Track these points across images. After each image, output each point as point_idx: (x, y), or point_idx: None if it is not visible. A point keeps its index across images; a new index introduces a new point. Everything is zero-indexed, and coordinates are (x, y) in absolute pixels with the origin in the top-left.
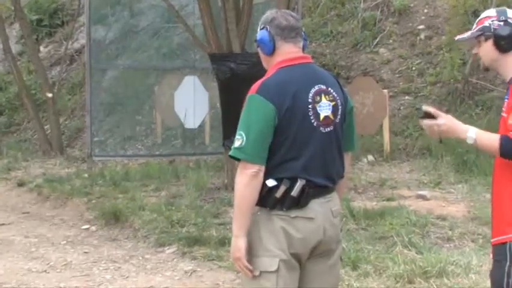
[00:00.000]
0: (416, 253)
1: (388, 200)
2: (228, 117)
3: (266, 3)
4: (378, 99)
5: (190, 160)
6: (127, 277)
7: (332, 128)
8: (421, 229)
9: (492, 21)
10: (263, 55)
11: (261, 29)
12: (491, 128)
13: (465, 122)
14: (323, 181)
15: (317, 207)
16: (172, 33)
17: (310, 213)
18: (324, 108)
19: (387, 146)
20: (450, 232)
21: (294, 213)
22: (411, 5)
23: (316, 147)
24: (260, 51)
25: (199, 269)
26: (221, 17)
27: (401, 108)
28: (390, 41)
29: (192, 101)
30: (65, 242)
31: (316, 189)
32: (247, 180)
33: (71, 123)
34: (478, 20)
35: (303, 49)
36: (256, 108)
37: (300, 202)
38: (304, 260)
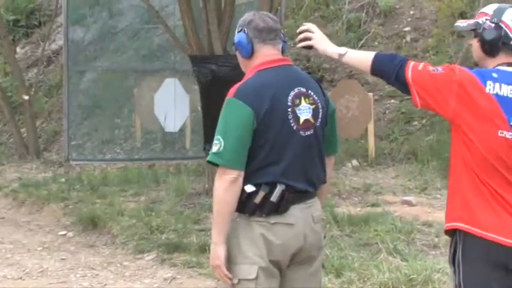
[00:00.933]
0: (401, 260)
1: (373, 205)
2: (209, 121)
3: (249, 4)
4: (363, 103)
5: (170, 164)
6: (105, 284)
7: (312, 131)
8: (406, 236)
9: (486, 19)
10: (241, 58)
11: (238, 32)
12: None
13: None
14: (304, 186)
15: (297, 212)
16: (152, 34)
17: (290, 219)
18: (304, 112)
19: (372, 150)
20: (436, 239)
21: (273, 219)
22: (397, 6)
23: (296, 151)
24: (238, 55)
25: (178, 276)
26: (202, 18)
27: (387, 112)
28: (376, 43)
29: (172, 104)
30: (41, 248)
31: (297, 195)
32: (226, 185)
33: (48, 127)
34: (479, 11)
35: (283, 51)
36: (234, 112)
37: (279, 208)
38: (285, 267)
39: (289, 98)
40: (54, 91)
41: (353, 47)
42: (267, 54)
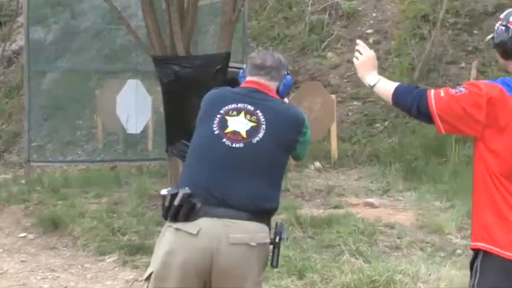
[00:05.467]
0: (364, 262)
1: (335, 207)
2: (172, 123)
3: (211, 5)
4: (325, 105)
5: (132, 166)
6: (66, 287)
7: (241, 145)
8: (369, 237)
9: (499, 24)
10: None
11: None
12: (441, 136)
13: (415, 128)
14: (221, 200)
15: (206, 224)
16: (114, 35)
17: (193, 229)
18: (236, 124)
19: (334, 152)
20: (398, 240)
21: (177, 225)
22: (360, 8)
23: (217, 159)
24: None
25: (140, 278)
26: (165, 19)
27: (349, 114)
28: (339, 45)
29: (134, 105)
30: (1, 250)
31: (212, 208)
32: None
33: (8, 128)
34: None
35: (278, 92)
36: None
37: (183, 214)
38: (198, 282)
39: (227, 107)
40: (15, 92)
41: (316, 49)
42: (246, 81)
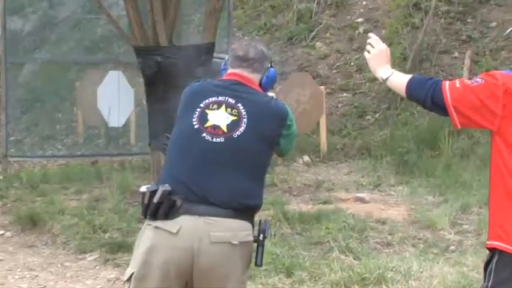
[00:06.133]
0: (354, 259)
1: (325, 203)
2: (155, 115)
3: None
4: (314, 96)
5: (114, 161)
6: (45, 286)
7: (222, 139)
8: (359, 233)
9: None
10: None
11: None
12: (434, 128)
13: (407, 120)
14: (202, 197)
15: (186, 222)
16: (94, 24)
17: (173, 227)
18: (217, 117)
19: (324, 145)
20: (389, 237)
21: (157, 223)
22: None
23: (198, 154)
24: None
25: (122, 277)
26: (147, 8)
27: (339, 105)
28: (328, 34)
29: (116, 98)
30: None
31: (191, 204)
32: None
33: None
34: None
35: (261, 84)
36: None
37: (163, 212)
38: (179, 282)
39: (207, 100)
40: None
41: (304, 39)
42: (228, 73)
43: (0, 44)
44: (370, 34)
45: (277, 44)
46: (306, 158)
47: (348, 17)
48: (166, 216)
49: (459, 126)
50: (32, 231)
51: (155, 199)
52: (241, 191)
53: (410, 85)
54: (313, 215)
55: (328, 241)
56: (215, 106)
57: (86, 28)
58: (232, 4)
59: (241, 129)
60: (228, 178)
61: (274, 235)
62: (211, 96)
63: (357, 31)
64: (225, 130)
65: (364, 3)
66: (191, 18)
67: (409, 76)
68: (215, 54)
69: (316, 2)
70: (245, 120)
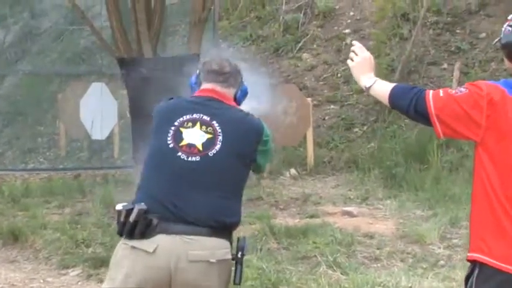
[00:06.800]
0: (342, 274)
1: (312, 216)
2: (139, 128)
3: (180, 4)
4: (301, 109)
5: (97, 174)
6: None
7: (197, 158)
8: (347, 248)
9: (507, 25)
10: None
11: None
12: (423, 141)
13: (395, 132)
14: (178, 216)
15: (163, 242)
16: (77, 36)
17: (150, 247)
18: (192, 136)
19: (310, 158)
20: (378, 251)
21: (133, 242)
22: (337, 7)
23: (173, 173)
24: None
25: None
26: (131, 19)
27: (326, 118)
28: (314, 45)
29: (99, 110)
30: None
31: (170, 224)
32: None
33: None
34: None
35: (236, 99)
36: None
37: (139, 231)
38: None
39: (181, 118)
40: None
41: (291, 50)
42: (201, 89)
43: None
44: (354, 42)
45: (264, 55)
46: (292, 171)
47: (336, 27)
48: (143, 236)
49: (442, 136)
50: (14, 246)
51: (131, 218)
52: (218, 209)
53: (393, 93)
54: (300, 229)
55: (315, 256)
56: (190, 124)
57: (68, 39)
58: (218, 15)
59: (217, 147)
60: (205, 196)
61: (261, 250)
62: (186, 114)
63: (344, 42)
64: (200, 149)
65: (351, 13)
66: (176, 29)
67: (393, 84)
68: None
69: (303, 12)
70: (220, 138)
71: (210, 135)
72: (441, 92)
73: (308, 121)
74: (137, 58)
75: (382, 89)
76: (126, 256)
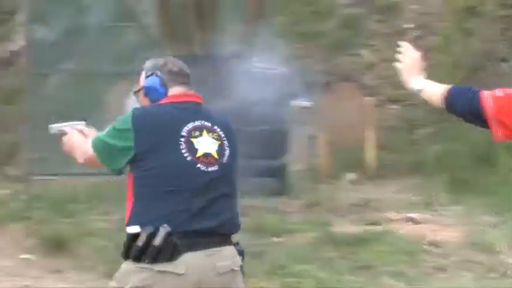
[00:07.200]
0: (405, 284)
1: (373, 223)
2: None
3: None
4: (361, 109)
5: None
6: None
7: (216, 167)
8: (410, 257)
9: None
10: (149, 103)
11: (147, 76)
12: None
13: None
14: (202, 229)
15: (191, 260)
16: (124, 33)
17: (180, 268)
18: (204, 145)
19: (371, 162)
20: (443, 260)
21: (159, 266)
22: (399, 0)
23: (195, 187)
24: (145, 99)
25: None
26: (181, 17)
27: (388, 118)
28: (375, 42)
29: None
30: (1, 273)
31: (192, 240)
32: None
33: (7, 137)
34: None
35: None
36: (119, 125)
37: (166, 253)
38: None
39: (186, 128)
40: (15, 97)
41: (350, 47)
42: (176, 94)
43: (25, 54)
44: (401, 42)
45: (321, 52)
46: (351, 175)
47: (398, 22)
48: (169, 259)
49: (499, 138)
50: (58, 254)
51: (157, 242)
52: (236, 217)
53: (448, 96)
54: (361, 237)
55: (376, 265)
56: (197, 133)
57: (115, 37)
58: (273, 11)
59: (227, 153)
60: (224, 206)
61: (319, 259)
62: (187, 123)
63: (407, 37)
64: (216, 157)
65: (415, 7)
66: (227, 27)
67: (446, 86)
68: (253, 64)
69: (363, 6)
70: (226, 143)
71: (218, 142)
72: (499, 92)
73: (368, 122)
74: (187, 55)
75: (434, 91)
76: (155, 283)
